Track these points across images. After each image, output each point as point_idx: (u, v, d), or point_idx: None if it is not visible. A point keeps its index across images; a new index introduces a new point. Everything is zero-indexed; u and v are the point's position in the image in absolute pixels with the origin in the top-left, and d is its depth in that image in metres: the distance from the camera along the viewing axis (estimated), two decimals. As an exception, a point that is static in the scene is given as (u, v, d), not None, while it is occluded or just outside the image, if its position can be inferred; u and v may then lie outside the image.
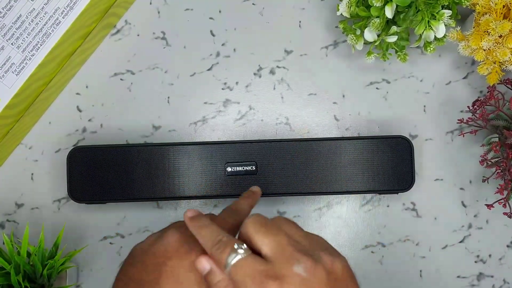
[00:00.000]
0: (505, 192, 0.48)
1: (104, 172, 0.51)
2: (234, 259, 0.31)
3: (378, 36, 0.49)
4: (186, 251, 0.35)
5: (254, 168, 0.51)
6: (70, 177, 0.51)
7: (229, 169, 0.51)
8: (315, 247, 0.33)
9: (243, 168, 0.51)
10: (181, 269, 0.34)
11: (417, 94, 0.55)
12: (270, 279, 0.29)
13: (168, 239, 0.36)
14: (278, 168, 0.51)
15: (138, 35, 0.56)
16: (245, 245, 0.32)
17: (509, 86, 0.51)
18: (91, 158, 0.51)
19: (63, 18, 0.48)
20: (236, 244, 0.32)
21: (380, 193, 0.53)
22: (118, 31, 0.56)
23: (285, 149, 0.51)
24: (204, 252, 0.33)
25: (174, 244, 0.35)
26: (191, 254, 0.34)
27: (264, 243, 0.31)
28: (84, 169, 0.51)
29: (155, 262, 0.35)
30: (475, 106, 0.50)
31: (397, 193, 0.52)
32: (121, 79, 0.56)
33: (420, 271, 0.54)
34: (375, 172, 0.50)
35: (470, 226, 0.54)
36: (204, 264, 0.33)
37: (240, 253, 0.31)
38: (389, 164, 0.51)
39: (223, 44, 0.56)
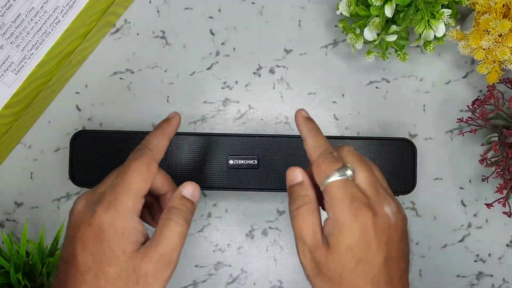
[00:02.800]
0: (505, 191, 0.48)
1: (106, 157, 0.51)
2: (340, 176, 0.33)
3: (378, 35, 0.49)
4: (90, 212, 0.32)
5: (256, 162, 0.51)
6: (72, 160, 0.51)
7: (231, 161, 0.51)
8: (393, 196, 0.36)
9: (245, 162, 0.51)
10: (89, 233, 0.31)
11: (416, 94, 0.55)
12: (366, 208, 0.32)
13: (74, 210, 0.34)
14: (280, 163, 0.51)
15: (137, 34, 0.56)
16: (353, 172, 0.33)
17: (509, 85, 0.51)
18: (95, 142, 0.51)
19: (62, 17, 0.48)
20: (348, 167, 0.34)
21: None
22: (117, 30, 0.56)
23: (287, 145, 0.51)
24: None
25: (80, 211, 0.33)
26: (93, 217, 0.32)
27: (363, 174, 0.34)
28: (86, 153, 0.51)
29: (70, 236, 0.33)
30: (475, 105, 0.50)
31: (397, 195, 0.52)
32: (120, 78, 0.55)
33: (420, 270, 0.54)
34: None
35: (469, 226, 0.54)
36: (298, 174, 0.35)
37: (347, 175, 0.33)
38: (391, 166, 0.51)
39: (222, 43, 0.56)
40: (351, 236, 0.32)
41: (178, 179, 0.49)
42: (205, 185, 0.51)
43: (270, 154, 0.51)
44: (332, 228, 0.33)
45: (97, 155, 0.51)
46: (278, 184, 0.51)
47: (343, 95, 0.55)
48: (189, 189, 0.36)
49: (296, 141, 0.51)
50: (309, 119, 0.37)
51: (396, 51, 0.50)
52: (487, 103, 0.49)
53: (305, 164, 0.47)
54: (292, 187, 0.35)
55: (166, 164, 0.51)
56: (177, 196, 0.35)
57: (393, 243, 0.33)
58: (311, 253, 0.33)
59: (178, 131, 0.51)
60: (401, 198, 0.54)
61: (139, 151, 0.35)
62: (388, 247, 0.33)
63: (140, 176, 0.33)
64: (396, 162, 0.51)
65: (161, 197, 0.38)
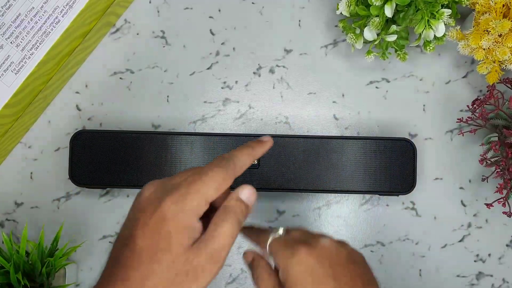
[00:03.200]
0: (505, 191, 0.48)
1: (106, 157, 0.51)
2: (273, 236, 0.37)
3: (378, 35, 0.49)
4: (158, 199, 0.34)
5: (256, 162, 0.51)
6: (72, 160, 0.51)
7: None
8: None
9: None
10: (152, 219, 0.33)
11: (416, 93, 0.55)
12: (301, 244, 0.35)
13: (143, 193, 0.35)
14: (280, 164, 0.51)
15: (137, 34, 0.56)
16: (282, 230, 0.38)
17: (509, 85, 0.51)
18: (95, 142, 0.51)
19: (62, 17, 0.48)
20: (279, 228, 0.38)
21: (380, 195, 0.53)
22: (117, 30, 0.56)
23: (288, 145, 0.51)
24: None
25: (148, 196, 0.35)
26: (161, 204, 0.33)
27: (295, 232, 0.38)
28: (86, 153, 0.51)
29: (132, 217, 0.34)
30: (475, 105, 0.50)
31: (397, 195, 0.52)
32: (120, 78, 0.55)
33: (420, 270, 0.54)
34: (376, 173, 0.51)
35: (469, 225, 0.54)
36: (248, 256, 0.39)
37: (280, 233, 0.37)
38: (391, 166, 0.51)
39: (222, 43, 0.56)
40: (295, 275, 0.34)
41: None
42: None
43: (270, 154, 0.51)
44: (281, 276, 0.35)
45: (97, 155, 0.51)
46: (278, 184, 0.51)
47: (343, 95, 0.55)
48: (246, 192, 0.37)
49: (295, 141, 0.51)
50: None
51: (396, 51, 0.50)
52: (487, 103, 0.49)
53: (305, 164, 0.51)
54: (249, 266, 0.39)
55: (166, 164, 0.51)
56: (234, 197, 0.36)
57: (339, 265, 0.35)
58: None
59: (177, 131, 0.52)
60: (401, 198, 0.54)
61: (225, 160, 0.36)
62: (333, 269, 0.34)
63: (215, 183, 0.34)
64: (396, 162, 0.51)
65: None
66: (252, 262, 0.38)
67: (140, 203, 0.34)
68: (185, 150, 0.51)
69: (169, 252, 0.32)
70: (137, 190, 0.54)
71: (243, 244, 0.55)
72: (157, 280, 0.32)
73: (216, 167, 0.35)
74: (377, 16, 0.47)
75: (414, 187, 0.51)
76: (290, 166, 0.51)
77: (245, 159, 0.37)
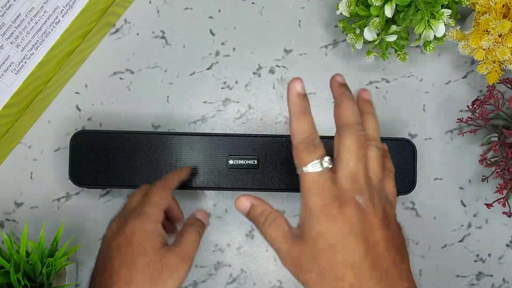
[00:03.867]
0: (505, 191, 0.48)
1: (106, 157, 0.51)
2: (315, 168, 0.33)
3: (378, 35, 0.49)
4: (122, 225, 0.40)
5: (256, 162, 0.51)
6: (72, 160, 0.51)
7: (231, 161, 0.51)
8: (379, 188, 0.35)
9: (245, 162, 0.51)
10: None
11: (416, 94, 0.55)
12: (334, 199, 0.32)
13: (109, 230, 0.42)
14: (280, 164, 0.51)
15: (137, 34, 0.56)
16: (330, 163, 0.33)
17: (509, 86, 0.51)
18: (95, 142, 0.51)
19: (62, 17, 0.48)
20: (326, 157, 0.34)
21: None
22: (117, 30, 0.56)
23: (288, 145, 0.50)
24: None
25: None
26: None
27: (344, 165, 0.33)
28: (86, 153, 0.51)
29: (105, 248, 0.40)
30: (475, 106, 0.50)
31: (397, 195, 0.52)
32: (120, 78, 0.55)
33: (420, 270, 0.54)
34: None
35: (469, 226, 0.54)
36: (244, 202, 0.36)
37: (324, 167, 0.33)
38: None
39: (222, 43, 0.56)
40: (320, 223, 0.32)
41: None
42: (205, 185, 0.51)
43: (270, 154, 0.51)
44: (303, 217, 0.33)
45: (97, 155, 0.51)
46: (278, 184, 0.51)
47: (343, 95, 0.55)
48: (200, 214, 0.45)
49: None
50: (303, 95, 0.36)
51: (396, 51, 0.50)
52: (487, 103, 0.49)
53: None
54: (248, 214, 0.36)
55: (166, 165, 0.51)
56: (192, 216, 0.44)
57: (371, 230, 0.32)
58: (289, 254, 0.33)
59: (177, 131, 0.53)
60: (401, 198, 0.54)
61: (162, 180, 0.46)
62: (364, 233, 0.32)
63: (160, 195, 0.43)
64: (396, 162, 0.50)
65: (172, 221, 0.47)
66: (250, 213, 0.36)
67: (109, 235, 0.40)
68: (185, 150, 0.51)
69: (143, 255, 0.37)
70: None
71: (244, 244, 0.55)
72: (138, 281, 0.36)
73: (154, 186, 0.44)
74: (377, 16, 0.47)
75: (414, 187, 0.51)
76: (290, 166, 0.50)
77: (175, 177, 0.47)
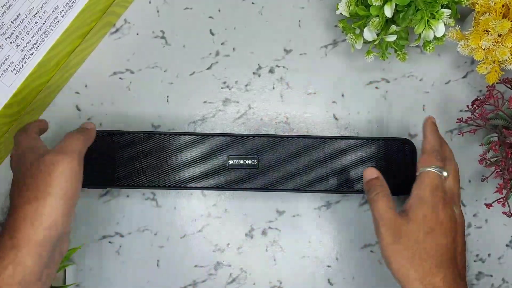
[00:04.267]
0: (504, 191, 0.48)
1: (105, 157, 0.51)
2: (436, 171, 0.44)
3: (378, 35, 0.49)
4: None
5: (255, 162, 0.51)
6: None
7: (230, 161, 0.51)
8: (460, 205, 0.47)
9: (245, 162, 0.51)
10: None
11: (416, 93, 0.55)
12: (442, 199, 0.43)
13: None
14: (280, 164, 0.51)
15: (137, 34, 0.56)
16: (447, 174, 0.45)
17: (509, 86, 0.51)
18: (94, 142, 0.49)
19: (62, 17, 0.48)
20: (443, 168, 0.45)
21: None
22: (117, 30, 0.56)
23: (288, 145, 0.51)
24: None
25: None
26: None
27: (452, 181, 0.46)
28: (85, 153, 0.49)
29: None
30: (474, 106, 0.50)
31: (397, 195, 0.52)
32: (120, 78, 0.55)
33: (419, 270, 0.54)
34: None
35: (469, 226, 0.54)
36: (374, 171, 0.46)
37: (443, 174, 0.45)
38: (391, 166, 0.51)
39: (222, 43, 0.56)
40: (427, 208, 0.43)
41: (177, 179, 0.51)
42: (205, 185, 0.51)
43: (270, 154, 0.51)
44: (412, 202, 0.44)
45: (96, 154, 0.50)
46: (277, 184, 0.51)
47: (342, 95, 0.55)
48: (87, 123, 0.48)
49: (295, 141, 0.51)
50: (434, 124, 0.48)
51: (395, 51, 0.51)
52: (487, 103, 0.49)
53: (305, 164, 0.51)
54: (370, 180, 0.46)
55: (166, 164, 0.51)
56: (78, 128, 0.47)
57: (457, 233, 0.43)
58: (390, 224, 0.42)
59: (177, 131, 0.53)
60: (401, 198, 0.54)
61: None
62: (452, 233, 0.43)
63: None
64: (396, 162, 0.51)
65: None
66: (373, 180, 0.45)
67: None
68: (185, 150, 0.51)
69: (29, 157, 0.42)
70: (135, 191, 0.55)
71: (244, 244, 0.55)
72: (29, 185, 0.39)
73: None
74: (376, 16, 0.47)
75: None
76: (289, 166, 0.51)
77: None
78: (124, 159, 0.51)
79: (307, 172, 0.51)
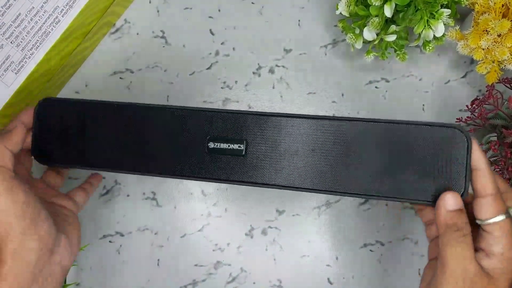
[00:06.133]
0: (504, 191, 0.48)
1: (65, 132, 0.43)
2: (506, 217, 0.34)
3: (377, 35, 0.49)
4: None
5: (242, 147, 0.39)
6: (36, 135, 0.43)
7: (211, 145, 0.40)
8: None
9: (229, 146, 0.39)
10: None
11: (416, 93, 0.55)
12: None
13: None
14: (275, 152, 0.39)
15: (137, 34, 0.56)
16: None
17: (508, 85, 0.51)
18: (64, 114, 0.43)
19: (62, 16, 0.48)
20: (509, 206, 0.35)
21: (411, 202, 0.37)
22: (117, 30, 0.56)
23: (285, 128, 0.38)
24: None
25: None
26: None
27: None
28: (50, 127, 0.43)
29: None
30: (474, 105, 0.50)
31: (432, 204, 0.36)
32: (120, 78, 0.56)
33: (419, 269, 0.54)
34: (408, 172, 0.36)
35: (468, 225, 0.54)
36: (460, 201, 0.34)
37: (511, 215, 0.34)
38: (429, 163, 0.36)
39: (222, 43, 0.56)
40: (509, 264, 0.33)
41: (144, 162, 0.41)
42: (179, 173, 0.40)
43: (261, 138, 0.39)
44: (498, 262, 0.33)
45: (59, 129, 0.43)
46: (268, 178, 0.39)
47: (342, 95, 0.55)
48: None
49: (295, 122, 0.39)
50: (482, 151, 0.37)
51: (395, 51, 0.51)
52: (486, 103, 0.49)
53: (308, 154, 0.38)
54: (453, 212, 0.34)
55: (128, 144, 0.41)
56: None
57: None
58: (471, 280, 0.33)
59: (146, 103, 0.42)
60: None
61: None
62: None
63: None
64: (436, 159, 0.36)
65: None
66: (458, 214, 0.34)
67: None
68: (155, 127, 0.41)
69: None
70: (135, 191, 0.55)
71: (244, 243, 0.55)
72: None
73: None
74: (376, 16, 0.47)
75: (466, 191, 0.36)
76: (286, 156, 0.39)
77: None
78: (81, 135, 0.42)
79: (309, 164, 0.38)
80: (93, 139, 0.42)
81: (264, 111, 0.45)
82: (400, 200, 0.37)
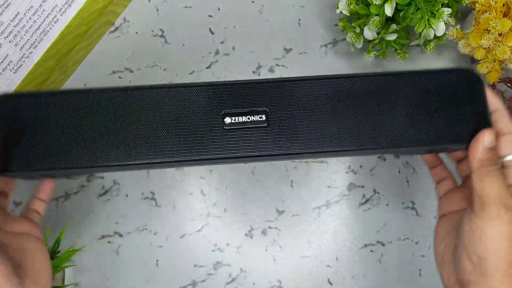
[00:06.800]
0: (505, 191, 0.48)
1: (45, 131, 0.34)
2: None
3: (378, 34, 0.49)
4: None
5: (264, 118, 0.35)
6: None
7: (228, 120, 0.35)
8: None
9: (249, 119, 0.35)
10: None
11: (416, 93, 0.55)
12: None
13: None
14: (299, 117, 0.35)
15: (136, 33, 0.55)
16: None
17: (509, 85, 0.50)
18: (27, 112, 0.35)
19: (61, 15, 0.48)
20: None
21: (445, 149, 0.38)
22: (116, 29, 0.55)
23: (306, 91, 0.35)
24: None
25: None
26: None
27: None
28: (15, 128, 0.34)
29: None
30: (475, 105, 0.50)
31: (466, 146, 0.36)
32: (119, 77, 0.55)
33: (420, 270, 0.54)
34: (436, 120, 0.35)
35: (469, 225, 0.54)
36: (494, 139, 0.34)
37: None
38: (453, 110, 0.35)
39: (222, 42, 0.55)
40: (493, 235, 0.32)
41: (150, 152, 0.34)
42: (192, 158, 0.34)
43: (283, 104, 0.35)
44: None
45: (30, 128, 0.34)
46: (297, 147, 0.35)
47: (342, 94, 0.55)
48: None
49: (318, 84, 0.36)
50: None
51: (396, 50, 0.50)
52: (487, 102, 0.49)
53: (335, 115, 0.35)
54: (489, 148, 0.34)
55: (135, 134, 0.35)
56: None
57: None
58: (508, 211, 0.33)
59: (151, 83, 0.36)
60: (400, 198, 0.54)
61: None
62: None
63: None
64: (459, 102, 0.36)
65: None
66: (491, 151, 0.34)
67: None
68: (163, 109, 0.35)
69: None
70: (135, 191, 0.54)
71: (243, 243, 0.55)
72: None
73: None
74: (377, 15, 0.47)
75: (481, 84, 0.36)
76: (314, 119, 0.35)
77: None
78: (72, 130, 0.34)
79: (342, 125, 0.35)
80: (72, 133, 0.34)
81: (280, 77, 0.39)
82: (436, 148, 0.36)
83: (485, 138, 0.34)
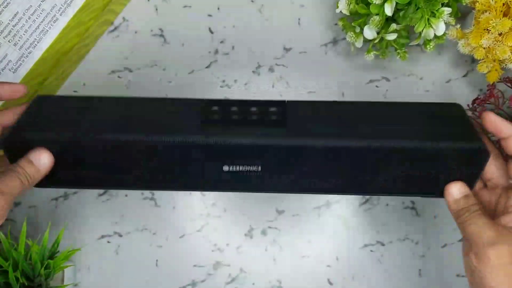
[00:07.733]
0: (505, 191, 0.48)
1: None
2: None
3: (378, 33, 0.49)
4: None
5: (260, 168, 0.39)
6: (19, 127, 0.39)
7: (226, 168, 0.39)
8: None
9: (244, 168, 0.39)
10: None
11: (416, 92, 0.55)
12: None
13: None
14: (290, 169, 0.39)
15: (135, 32, 0.55)
16: None
17: (509, 85, 0.50)
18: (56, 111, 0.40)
19: (60, 15, 0.48)
20: None
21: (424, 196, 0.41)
22: (115, 28, 0.55)
23: (306, 156, 0.38)
24: None
25: None
26: None
27: None
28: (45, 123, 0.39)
29: None
30: (475, 105, 0.50)
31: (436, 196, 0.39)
32: (118, 77, 0.55)
33: (419, 270, 0.54)
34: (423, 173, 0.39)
35: (469, 225, 0.54)
36: (464, 188, 0.38)
37: None
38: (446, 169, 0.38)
39: (221, 42, 0.55)
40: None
41: (151, 183, 0.40)
42: (192, 187, 0.41)
43: (278, 164, 0.39)
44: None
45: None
46: (288, 186, 0.40)
47: (343, 94, 0.55)
48: (36, 155, 0.38)
49: (316, 152, 0.38)
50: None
51: (396, 49, 0.50)
52: (487, 102, 0.49)
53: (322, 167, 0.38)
54: (459, 198, 0.38)
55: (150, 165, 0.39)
56: (25, 158, 0.37)
57: None
58: (491, 246, 0.35)
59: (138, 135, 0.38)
60: (401, 198, 0.54)
61: None
62: None
63: None
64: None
65: None
66: (462, 200, 0.38)
67: None
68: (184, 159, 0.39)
69: None
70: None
71: (243, 243, 0.54)
72: None
73: None
74: (377, 14, 0.46)
75: (488, 157, 0.38)
76: (301, 166, 0.39)
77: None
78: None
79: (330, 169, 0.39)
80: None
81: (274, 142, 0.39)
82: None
83: (451, 190, 0.38)
